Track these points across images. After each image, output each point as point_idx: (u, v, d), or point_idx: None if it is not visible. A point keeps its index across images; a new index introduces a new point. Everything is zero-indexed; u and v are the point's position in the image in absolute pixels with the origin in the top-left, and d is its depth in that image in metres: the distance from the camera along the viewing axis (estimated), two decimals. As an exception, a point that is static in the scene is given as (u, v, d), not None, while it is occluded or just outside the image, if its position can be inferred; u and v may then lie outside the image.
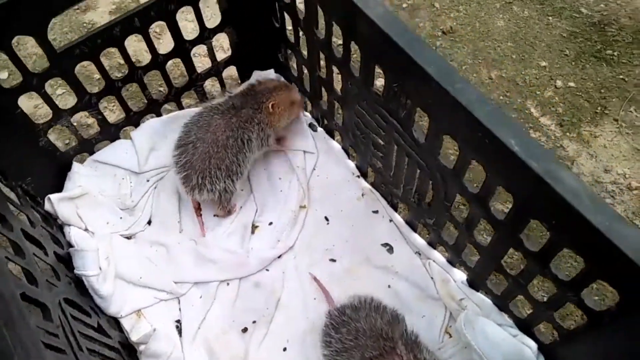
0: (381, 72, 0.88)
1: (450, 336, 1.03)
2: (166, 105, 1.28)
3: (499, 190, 0.78)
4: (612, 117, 1.37)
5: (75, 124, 1.13)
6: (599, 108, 1.38)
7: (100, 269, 1.04)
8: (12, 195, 0.98)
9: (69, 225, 1.10)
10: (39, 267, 0.83)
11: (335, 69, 1.04)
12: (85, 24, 1.56)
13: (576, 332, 0.81)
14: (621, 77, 1.43)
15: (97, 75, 1.12)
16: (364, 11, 0.79)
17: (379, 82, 0.92)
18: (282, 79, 1.31)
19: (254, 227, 1.18)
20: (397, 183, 1.06)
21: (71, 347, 0.73)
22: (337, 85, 1.09)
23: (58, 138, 1.33)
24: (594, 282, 0.71)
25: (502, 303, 0.97)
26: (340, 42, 0.97)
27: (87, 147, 1.20)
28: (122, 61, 1.11)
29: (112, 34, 1.02)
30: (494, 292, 0.97)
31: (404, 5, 1.59)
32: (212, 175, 1.08)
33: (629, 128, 1.35)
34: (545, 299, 0.84)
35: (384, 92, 0.90)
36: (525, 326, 0.94)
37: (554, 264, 0.77)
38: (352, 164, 1.24)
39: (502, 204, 1.17)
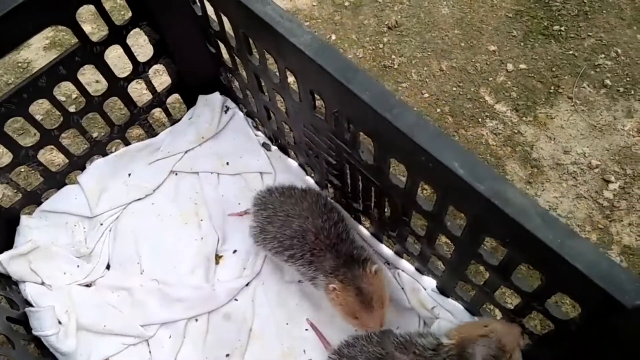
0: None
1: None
2: (111, 144, 1.23)
3: (452, 208, 0.76)
4: (566, 96, 1.36)
5: (16, 178, 1.08)
6: (552, 87, 1.38)
7: (60, 323, 1.01)
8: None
9: (24, 282, 1.06)
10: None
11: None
12: (20, 64, 1.48)
13: (546, 338, 0.81)
14: (571, 52, 1.42)
15: (32, 129, 1.06)
16: (290, 40, 0.76)
17: (321, 106, 0.89)
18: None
19: (218, 258, 1.15)
20: (356, 199, 1.04)
21: None
22: (283, 106, 1.06)
23: (2, 194, 1.28)
24: (555, 295, 0.70)
25: (473, 308, 0.97)
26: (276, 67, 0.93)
27: (33, 198, 1.15)
28: (54, 109, 1.06)
29: (38, 86, 0.97)
30: (464, 299, 0.97)
31: (347, 4, 1.55)
32: None
33: (583, 105, 1.35)
34: (513, 307, 0.83)
35: (326, 116, 0.87)
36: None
37: (515, 277, 0.76)
38: (311, 180, 1.21)
39: (462, 219, 1.15)
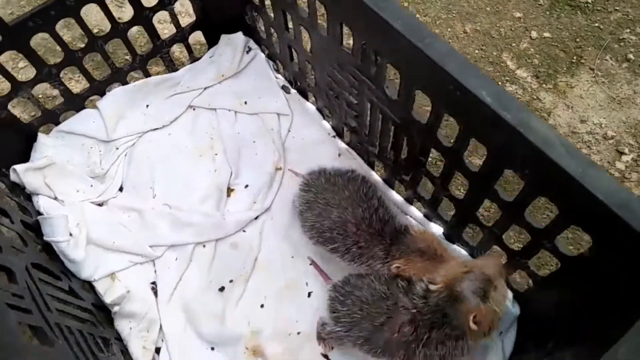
0: (349, 30, 0.85)
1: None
2: (132, 73, 1.23)
3: (474, 143, 0.77)
4: (587, 67, 1.36)
5: (40, 95, 1.09)
6: (575, 58, 1.37)
7: (70, 235, 1.02)
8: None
9: (37, 194, 1.07)
10: (3, 234, 0.81)
11: (303, 29, 1.01)
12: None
13: (549, 279, 0.82)
14: (596, 25, 1.42)
15: (59, 47, 1.07)
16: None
17: (348, 40, 0.90)
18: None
19: (230, 191, 1.16)
20: (373, 141, 1.05)
21: (38, 308, 0.72)
22: (307, 45, 1.06)
23: (22, 110, 1.29)
24: (568, 229, 0.71)
25: (478, 254, 0.98)
26: (306, 0, 0.93)
27: (52, 118, 1.16)
28: (80, 32, 1.07)
29: (66, 5, 0.98)
30: (470, 244, 0.98)
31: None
32: None
33: (604, 77, 1.34)
34: (520, 249, 0.85)
35: (353, 50, 0.87)
36: (503, 277, 0.95)
37: (528, 213, 0.77)
38: (327, 125, 1.21)
39: (479, 158, 1.16)
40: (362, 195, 0.96)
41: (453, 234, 1.01)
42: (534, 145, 0.64)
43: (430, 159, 0.92)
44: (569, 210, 0.68)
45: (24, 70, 1.35)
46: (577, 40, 1.39)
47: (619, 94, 1.32)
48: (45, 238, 0.98)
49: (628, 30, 1.40)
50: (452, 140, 0.81)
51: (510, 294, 0.93)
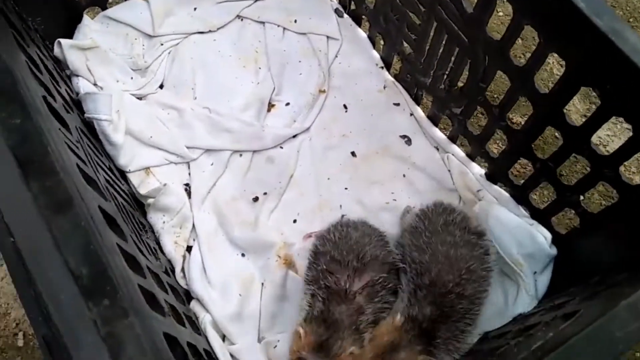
0: None
1: (461, 227, 1.03)
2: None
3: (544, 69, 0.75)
4: None
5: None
6: None
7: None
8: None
9: (78, 76, 1.04)
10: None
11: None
12: None
13: (601, 215, 0.81)
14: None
15: None
16: None
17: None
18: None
19: (270, 106, 1.14)
20: (427, 70, 1.03)
21: (90, 163, 0.69)
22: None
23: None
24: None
25: (520, 195, 0.97)
26: None
27: (100, 1, 1.13)
28: None
29: None
30: (514, 183, 0.96)
31: None
32: None
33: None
34: (573, 182, 0.84)
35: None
36: (542, 218, 0.94)
37: (595, 138, 0.75)
38: (376, 55, 1.19)
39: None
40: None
41: (498, 173, 1.00)
42: (624, 56, 0.63)
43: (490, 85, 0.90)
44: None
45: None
46: None
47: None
48: (87, 115, 0.95)
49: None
50: (522, 60, 0.79)
51: (549, 235, 0.92)
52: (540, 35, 0.74)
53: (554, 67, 1.09)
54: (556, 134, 1.05)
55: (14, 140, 0.47)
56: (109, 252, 0.47)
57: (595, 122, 0.73)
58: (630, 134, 0.69)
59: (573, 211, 0.86)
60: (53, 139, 0.55)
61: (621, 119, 0.75)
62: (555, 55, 0.75)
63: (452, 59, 0.95)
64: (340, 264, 0.86)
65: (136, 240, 0.69)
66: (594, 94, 0.73)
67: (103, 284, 0.44)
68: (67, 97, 0.90)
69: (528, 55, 0.77)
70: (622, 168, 0.74)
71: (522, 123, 0.87)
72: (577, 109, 1.09)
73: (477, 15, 0.83)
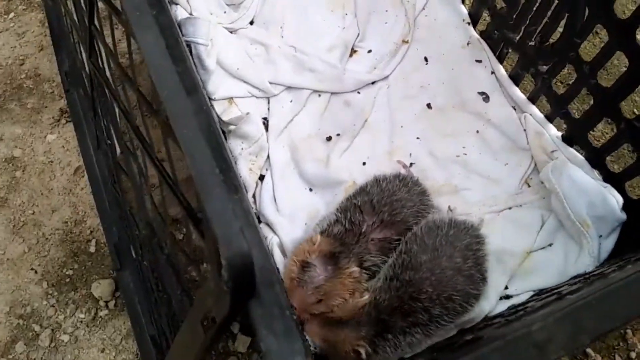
0: None
1: (529, 187, 1.03)
2: None
3: None
4: None
5: None
6: None
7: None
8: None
9: (176, 4, 1.10)
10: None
11: None
12: None
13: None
14: None
15: None
16: None
17: None
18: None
19: (353, 52, 1.16)
20: (518, 25, 1.02)
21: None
22: None
23: None
24: None
25: (597, 158, 0.95)
26: None
27: None
28: None
29: None
30: (592, 146, 0.95)
31: None
32: None
33: None
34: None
35: None
36: (616, 183, 0.92)
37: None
38: (464, 10, 1.19)
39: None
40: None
41: (576, 135, 0.98)
42: None
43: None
44: None
45: None
46: None
47: None
48: (185, 38, 1.00)
49: None
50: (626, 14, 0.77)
51: (621, 199, 0.90)
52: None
53: None
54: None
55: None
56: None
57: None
58: None
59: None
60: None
61: None
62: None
63: (549, 13, 0.93)
64: (373, 210, 0.89)
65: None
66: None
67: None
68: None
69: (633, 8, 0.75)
70: None
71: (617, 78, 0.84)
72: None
73: (579, -34, 0.81)
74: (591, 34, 0.86)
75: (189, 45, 1.01)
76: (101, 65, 0.78)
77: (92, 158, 1.14)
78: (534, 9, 0.95)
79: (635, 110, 1.00)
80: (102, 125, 1.00)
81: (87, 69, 0.92)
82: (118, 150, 0.91)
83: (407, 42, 1.16)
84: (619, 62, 0.84)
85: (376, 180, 0.94)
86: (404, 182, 0.94)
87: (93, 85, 0.90)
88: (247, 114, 1.03)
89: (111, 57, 0.67)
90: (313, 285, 0.83)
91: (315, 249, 0.85)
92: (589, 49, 1.11)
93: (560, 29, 0.90)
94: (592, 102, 0.91)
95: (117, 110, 0.74)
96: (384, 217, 0.89)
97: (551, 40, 0.95)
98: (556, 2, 0.90)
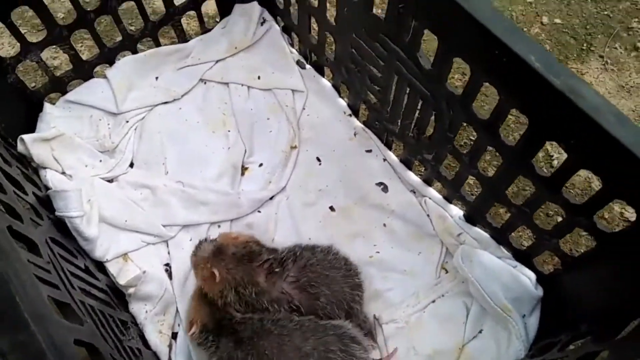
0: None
1: (447, 272, 1.03)
2: (143, 41, 1.19)
3: (510, 116, 0.75)
4: (597, 54, 1.36)
5: (45, 60, 1.04)
6: (585, 45, 1.38)
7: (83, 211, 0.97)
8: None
9: (45, 168, 1.02)
10: (20, 206, 0.76)
11: (329, -4, 0.98)
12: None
13: (581, 260, 0.81)
14: (605, 13, 1.42)
15: (70, 5, 1.02)
16: None
17: (380, 6, 0.87)
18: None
19: (244, 169, 1.13)
20: (394, 118, 1.03)
21: (64, 284, 0.68)
22: (330, 15, 1.03)
23: (29, 77, 1.23)
24: (611, 202, 0.70)
25: (500, 236, 0.97)
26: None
27: (59, 86, 1.11)
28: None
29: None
30: (493, 226, 0.96)
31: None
32: None
33: (614, 65, 1.35)
34: (550, 227, 0.84)
35: (386, 15, 0.85)
36: (525, 258, 0.94)
37: (566, 189, 0.76)
38: (343, 103, 1.19)
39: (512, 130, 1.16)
40: None
41: (475, 216, 1.00)
42: (583, 113, 0.63)
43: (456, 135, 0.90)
44: (614, 182, 0.67)
45: (31, 33, 1.30)
46: (587, 27, 1.40)
47: (628, 82, 1.33)
48: (57, 213, 0.93)
49: (636, 19, 1.41)
50: (487, 112, 0.79)
51: (533, 276, 0.92)
52: (500, 93, 0.74)
53: (521, 117, 1.10)
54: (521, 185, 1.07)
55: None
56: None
57: (564, 174, 0.73)
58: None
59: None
60: (21, 280, 0.54)
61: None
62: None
63: (417, 110, 0.94)
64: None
65: (117, 356, 0.68)
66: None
67: None
68: (34, 200, 0.88)
69: (493, 107, 0.77)
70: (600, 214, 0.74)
71: (492, 171, 0.87)
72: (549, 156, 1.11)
73: (436, 72, 0.83)
74: (463, 127, 0.87)
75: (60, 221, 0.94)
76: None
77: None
78: (404, 105, 0.97)
79: (519, 194, 1.04)
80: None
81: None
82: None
83: (295, 147, 1.14)
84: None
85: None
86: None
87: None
88: (144, 272, 0.96)
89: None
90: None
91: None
92: (465, 140, 1.15)
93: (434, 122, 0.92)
94: (481, 188, 0.93)
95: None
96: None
97: (427, 133, 0.97)
98: (421, 102, 0.91)
